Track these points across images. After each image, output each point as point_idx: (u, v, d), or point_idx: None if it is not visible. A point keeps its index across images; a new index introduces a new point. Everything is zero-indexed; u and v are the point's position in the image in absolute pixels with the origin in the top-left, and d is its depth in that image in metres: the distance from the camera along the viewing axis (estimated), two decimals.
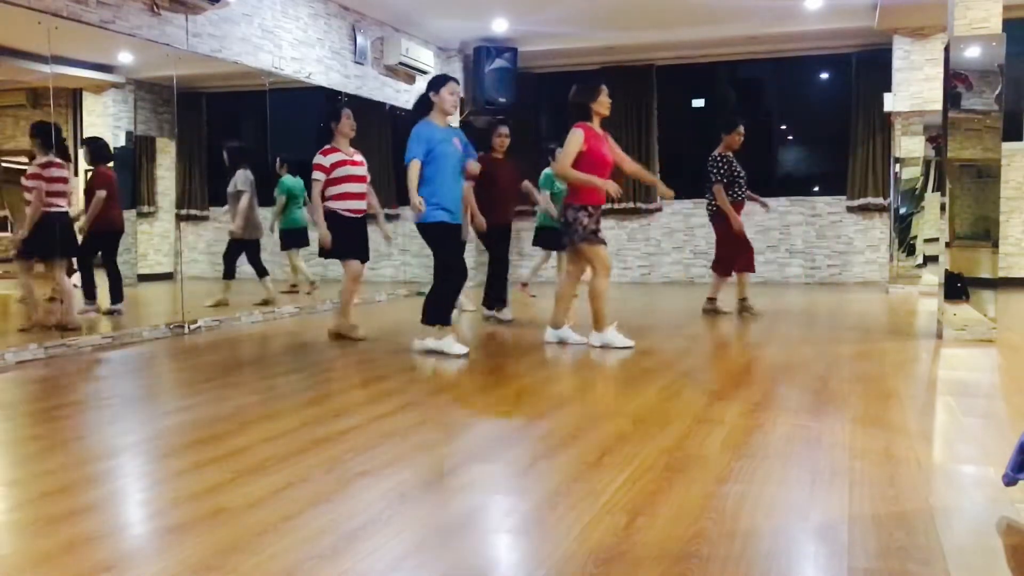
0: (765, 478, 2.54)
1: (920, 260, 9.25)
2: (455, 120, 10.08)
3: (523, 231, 9.68)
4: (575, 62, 10.58)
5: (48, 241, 5.64)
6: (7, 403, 3.92)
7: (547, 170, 7.68)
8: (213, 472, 2.67)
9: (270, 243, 7.76)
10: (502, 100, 9.95)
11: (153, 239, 7.07)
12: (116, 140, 6.60)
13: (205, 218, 7.70)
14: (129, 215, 6.71)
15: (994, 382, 4.19)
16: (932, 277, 8.13)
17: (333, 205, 5.47)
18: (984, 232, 5.50)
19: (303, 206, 8.01)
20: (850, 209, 10.07)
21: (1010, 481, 2.25)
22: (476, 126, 9.70)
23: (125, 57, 6.39)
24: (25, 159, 6.40)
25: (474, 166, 5.20)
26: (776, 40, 9.75)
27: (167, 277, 6.88)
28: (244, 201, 7.21)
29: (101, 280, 6.39)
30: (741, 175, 6.79)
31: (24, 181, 5.71)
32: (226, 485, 2.53)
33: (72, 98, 6.25)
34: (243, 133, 8.29)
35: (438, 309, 5.06)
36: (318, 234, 5.45)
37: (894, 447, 2.87)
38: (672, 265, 10.66)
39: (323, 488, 2.49)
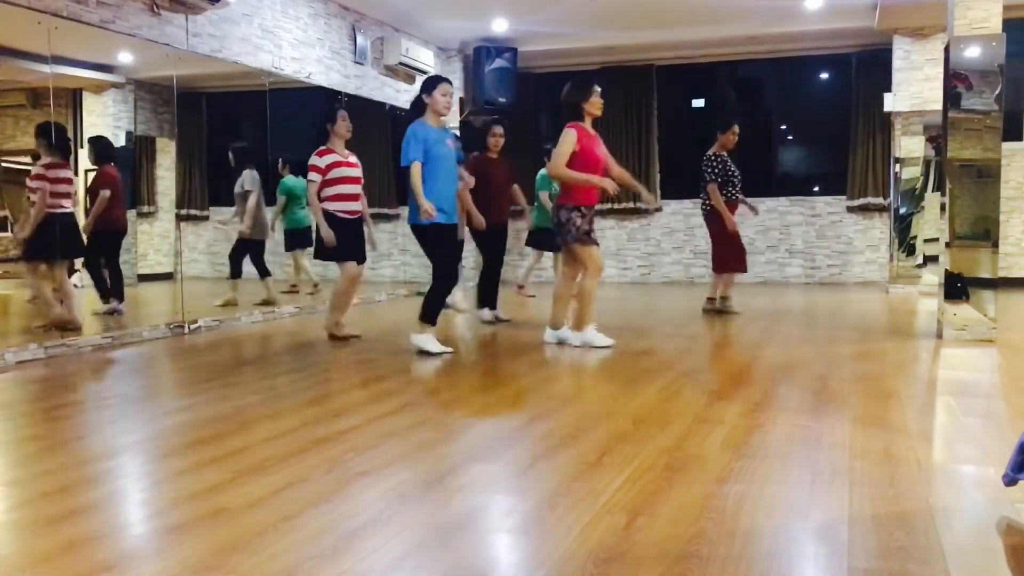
0: (765, 478, 2.54)
1: (920, 260, 9.26)
2: (454, 120, 10.09)
3: (522, 231, 9.67)
4: (575, 62, 10.58)
5: (52, 242, 5.64)
6: (7, 403, 3.92)
7: (543, 171, 7.68)
8: (213, 472, 2.67)
9: (270, 243, 7.76)
10: (502, 100, 9.94)
11: (153, 239, 7.07)
12: (116, 140, 6.60)
13: (205, 218, 7.70)
14: (129, 215, 6.71)
15: (994, 382, 4.19)
16: (932, 277, 8.13)
17: (328, 206, 5.47)
18: (984, 232, 5.50)
19: (306, 206, 8.02)
20: (850, 209, 10.07)
21: (1010, 481, 2.25)
22: (476, 126, 9.70)
23: (125, 57, 6.40)
24: (24, 159, 6.40)
25: (468, 180, 5.21)
26: (776, 40, 9.75)
27: (167, 277, 6.88)
28: (252, 201, 7.22)
29: (105, 279, 6.40)
30: (736, 175, 6.80)
31: (29, 182, 5.71)
32: (226, 485, 2.53)
33: (72, 98, 6.25)
34: (243, 133, 8.29)
35: (431, 309, 5.08)
36: (322, 234, 5.45)
37: (894, 447, 2.87)
38: (672, 265, 10.66)
39: (323, 488, 2.49)
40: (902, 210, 9.29)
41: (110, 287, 6.38)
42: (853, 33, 9.35)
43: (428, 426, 3.28)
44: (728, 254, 6.88)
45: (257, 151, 7.64)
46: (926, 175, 9.23)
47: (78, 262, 6.31)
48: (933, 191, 8.99)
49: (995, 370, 4.49)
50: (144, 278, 7.01)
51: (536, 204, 8.28)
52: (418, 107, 5.06)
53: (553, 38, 9.74)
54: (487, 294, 6.67)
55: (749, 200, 7.15)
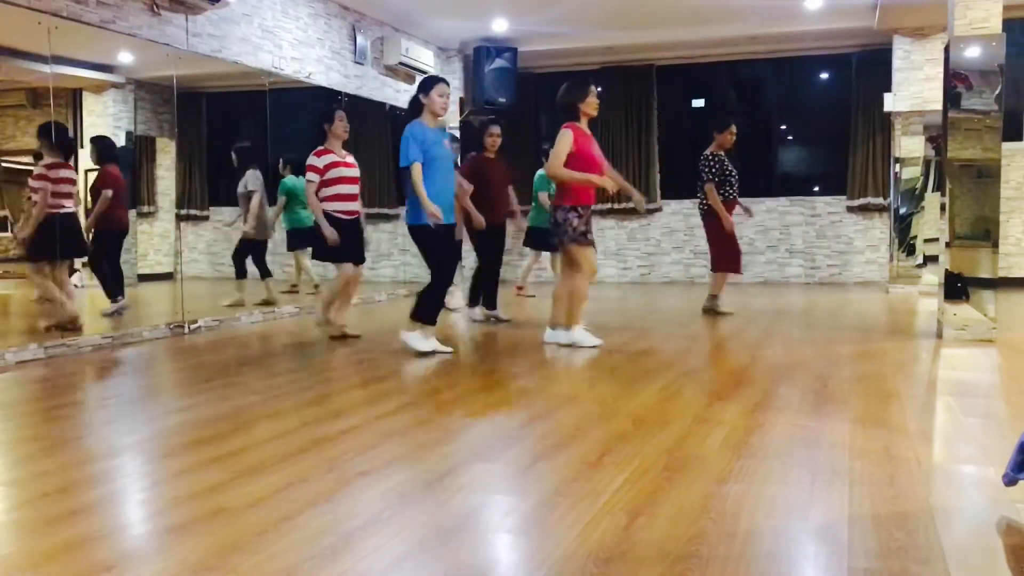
0: (765, 478, 2.54)
1: (920, 260, 9.26)
2: (454, 120, 10.10)
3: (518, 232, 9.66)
4: (575, 62, 10.59)
5: (55, 241, 5.63)
6: (7, 403, 3.92)
7: (541, 171, 7.68)
8: (213, 472, 2.67)
9: (271, 243, 7.76)
10: (502, 100, 9.94)
11: (153, 239, 7.07)
12: (116, 140, 6.60)
13: (205, 218, 7.71)
14: (129, 215, 6.71)
15: (994, 382, 4.19)
16: (932, 277, 8.13)
17: (326, 207, 5.48)
18: (984, 232, 5.50)
19: (307, 207, 8.03)
20: (850, 209, 10.07)
21: (1010, 481, 2.25)
22: (475, 126, 9.71)
23: (125, 57, 6.40)
24: (25, 159, 6.40)
25: (467, 187, 5.21)
26: (776, 40, 9.75)
27: (167, 277, 6.88)
28: (255, 201, 7.23)
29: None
30: (733, 174, 6.82)
31: (30, 182, 5.71)
32: (226, 485, 2.53)
33: (72, 98, 6.25)
34: (243, 133, 8.29)
35: (429, 309, 5.08)
36: (325, 233, 5.46)
37: (894, 447, 2.87)
38: (672, 265, 10.66)
39: (323, 488, 2.49)
40: (902, 210, 9.29)
41: (112, 286, 6.37)
42: (853, 33, 9.35)
43: (428, 426, 3.28)
44: (724, 254, 6.89)
45: (257, 151, 7.65)
46: (926, 175, 9.23)
47: (78, 262, 6.31)
48: (933, 191, 8.99)
49: (995, 370, 4.49)
50: (144, 278, 7.01)
51: (534, 204, 8.28)
52: (415, 107, 5.06)
53: (553, 38, 9.74)
54: (486, 293, 6.67)
55: (744, 201, 7.15)
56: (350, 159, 5.65)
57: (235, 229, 7.48)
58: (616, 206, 10.53)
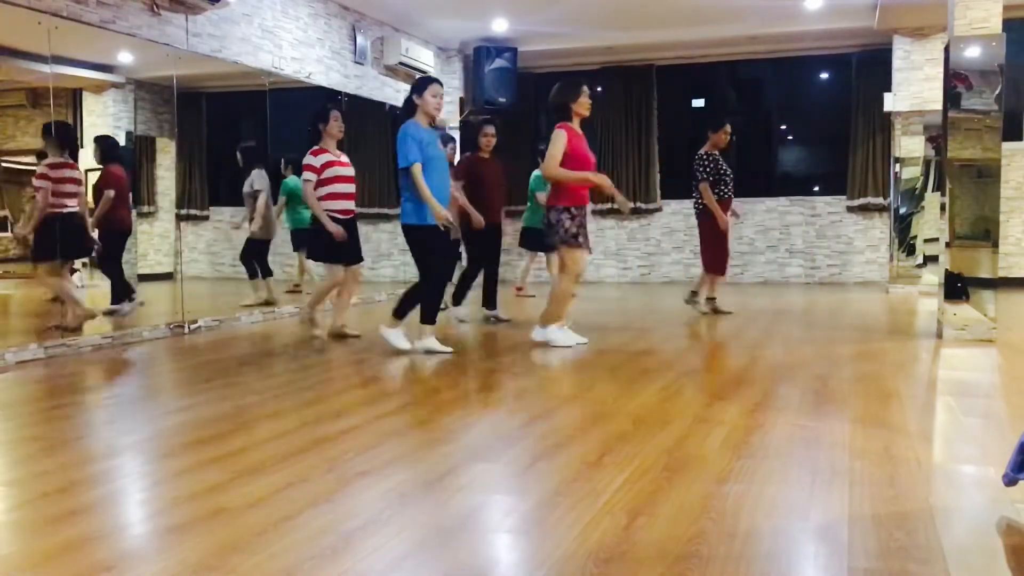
0: (765, 478, 2.54)
1: (920, 260, 9.26)
2: (454, 120, 10.09)
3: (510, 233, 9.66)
4: (575, 62, 10.59)
5: (60, 241, 5.62)
6: (7, 403, 3.92)
7: (537, 171, 7.68)
8: (213, 472, 2.67)
9: (272, 243, 7.76)
10: (502, 100, 9.94)
11: (153, 239, 7.07)
12: (117, 140, 6.59)
13: (205, 218, 7.70)
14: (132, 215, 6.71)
15: (994, 382, 4.19)
16: (932, 277, 8.13)
17: (323, 206, 5.49)
18: (984, 232, 5.50)
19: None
20: (850, 209, 10.07)
21: (1010, 481, 2.25)
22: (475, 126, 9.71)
23: (125, 57, 6.39)
24: (25, 159, 6.40)
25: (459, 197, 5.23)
26: (776, 40, 9.75)
27: (167, 277, 6.88)
28: (261, 200, 7.24)
29: (103, 279, 6.40)
30: (728, 173, 6.83)
31: (33, 181, 5.71)
32: (226, 485, 2.53)
33: (72, 98, 6.25)
34: (243, 133, 8.29)
35: (428, 309, 5.09)
36: (330, 230, 5.47)
37: (894, 447, 2.87)
38: (672, 265, 10.67)
39: (323, 488, 2.49)
40: (902, 210, 9.29)
41: (112, 288, 6.37)
42: (853, 33, 9.35)
43: (428, 426, 3.28)
44: (714, 255, 6.92)
45: (259, 151, 7.65)
46: (926, 175, 9.23)
47: (78, 262, 6.30)
48: (933, 191, 8.99)
49: (995, 370, 4.49)
50: (144, 278, 7.00)
51: (530, 204, 8.28)
52: (409, 108, 5.06)
53: (553, 38, 9.74)
54: (485, 293, 6.68)
55: (743, 201, 7.18)
56: (345, 158, 5.67)
57: (241, 230, 7.48)
58: (614, 206, 10.52)
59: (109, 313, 6.31)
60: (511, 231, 9.00)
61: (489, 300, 6.71)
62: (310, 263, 8.12)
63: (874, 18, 8.53)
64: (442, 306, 7.17)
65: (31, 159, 6.14)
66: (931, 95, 8.62)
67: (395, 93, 9.33)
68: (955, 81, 5.40)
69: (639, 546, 2.02)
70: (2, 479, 2.67)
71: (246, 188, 7.37)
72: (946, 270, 5.50)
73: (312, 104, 8.14)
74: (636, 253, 10.78)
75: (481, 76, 9.89)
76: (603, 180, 5.21)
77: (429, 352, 5.03)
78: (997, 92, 5.32)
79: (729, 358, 4.88)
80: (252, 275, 7.35)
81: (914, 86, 8.93)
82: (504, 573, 1.93)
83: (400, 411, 3.54)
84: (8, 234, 6.57)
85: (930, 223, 8.86)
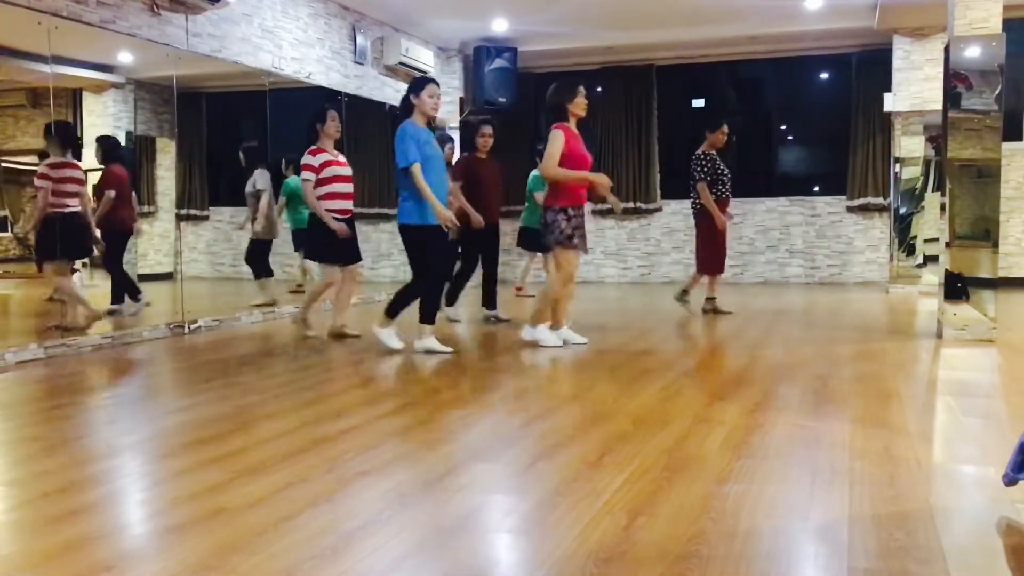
0: (765, 478, 2.54)
1: (920, 260, 9.26)
2: (455, 120, 10.09)
3: (507, 233, 9.66)
4: (575, 62, 10.58)
5: (61, 241, 5.62)
6: (7, 403, 3.92)
7: (535, 172, 7.69)
8: (213, 472, 2.67)
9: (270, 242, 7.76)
10: (502, 100, 9.94)
11: (153, 239, 7.07)
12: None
13: (205, 218, 7.70)
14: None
15: (994, 382, 4.19)
16: (932, 277, 8.13)
17: (322, 205, 5.49)
18: (984, 232, 5.50)
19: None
20: (850, 209, 10.07)
21: (1010, 481, 2.25)
22: (472, 126, 9.72)
23: (125, 57, 6.39)
24: (24, 159, 6.40)
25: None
26: (776, 40, 9.75)
27: (167, 277, 6.88)
28: (264, 200, 7.24)
29: (103, 279, 6.40)
30: (725, 173, 6.85)
31: (35, 181, 5.71)
32: (226, 485, 2.53)
33: (72, 98, 6.25)
34: (243, 133, 8.29)
35: (429, 309, 5.09)
36: (333, 228, 5.49)
37: (894, 447, 2.87)
38: (672, 265, 10.66)
39: (323, 488, 2.49)
40: (902, 210, 9.29)
41: (112, 287, 6.37)
42: (853, 33, 9.35)
43: (428, 426, 3.28)
44: (709, 256, 6.93)
45: (260, 151, 7.66)
46: (926, 175, 9.23)
47: (78, 263, 6.30)
48: (933, 191, 8.99)
49: (995, 370, 4.49)
50: (144, 278, 7.00)
51: (528, 204, 8.28)
52: (406, 107, 5.07)
53: (553, 38, 9.74)
54: (485, 293, 6.69)
55: (743, 201, 7.21)
56: (342, 158, 5.68)
57: (244, 231, 7.48)
58: (607, 207, 10.52)
59: (110, 313, 6.32)
60: (510, 231, 9.00)
61: (489, 300, 6.71)
62: (310, 263, 8.12)
63: (874, 18, 8.53)
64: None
65: (31, 159, 6.14)
66: (931, 95, 8.62)
67: (395, 93, 9.32)
68: (955, 81, 5.40)
69: (639, 546, 2.02)
70: (2, 479, 2.67)
71: (248, 188, 7.37)
72: (946, 270, 5.50)
73: (312, 104, 8.14)
74: (636, 253, 10.78)
75: (481, 76, 9.89)
76: (601, 179, 5.22)
77: (429, 352, 5.03)
78: (997, 92, 5.32)
79: (729, 358, 4.88)
80: (258, 275, 7.37)
81: (914, 86, 8.93)
82: (504, 573, 1.93)
83: (400, 411, 3.55)
84: (8, 234, 6.57)
85: (930, 223, 8.86)
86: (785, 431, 3.10)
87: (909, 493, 2.40)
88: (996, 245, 5.48)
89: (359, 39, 8.53)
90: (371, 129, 9.04)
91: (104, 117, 6.49)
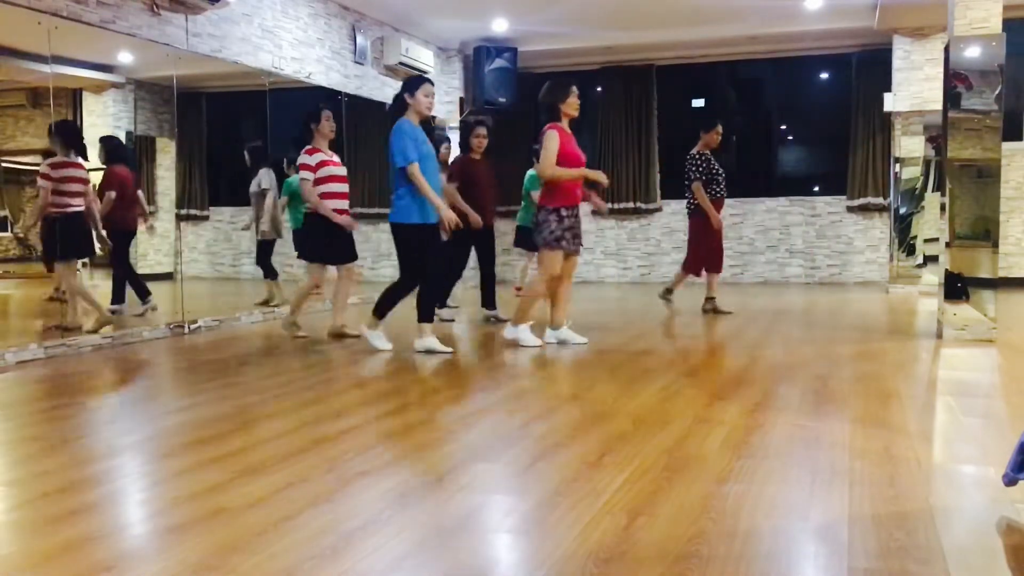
0: (765, 478, 2.54)
1: (920, 260, 9.26)
2: (455, 120, 10.09)
3: (507, 233, 9.66)
4: (575, 62, 10.58)
5: (60, 240, 5.62)
6: (7, 403, 3.92)
7: (531, 171, 7.69)
8: (213, 472, 2.67)
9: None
10: (502, 100, 9.94)
11: (153, 239, 7.07)
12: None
13: (205, 218, 7.70)
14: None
15: (994, 382, 4.19)
16: (932, 277, 8.13)
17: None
18: (984, 232, 5.50)
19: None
20: (850, 209, 10.07)
21: (1010, 481, 2.25)
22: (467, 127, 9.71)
23: (125, 57, 6.39)
24: (24, 159, 6.40)
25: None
26: (776, 40, 9.75)
27: (167, 277, 6.88)
28: (270, 200, 7.25)
29: (103, 280, 6.40)
30: (720, 173, 6.88)
31: (37, 180, 5.71)
32: (226, 485, 2.53)
33: (72, 98, 6.25)
34: (243, 133, 8.29)
35: (426, 308, 5.09)
36: (340, 221, 5.49)
37: (894, 447, 2.87)
38: (672, 265, 10.64)
39: (323, 488, 2.49)
40: (902, 210, 9.29)
41: (113, 287, 6.37)
42: (853, 33, 9.35)
43: (428, 426, 3.28)
44: (704, 255, 6.95)
45: (267, 151, 7.66)
46: (926, 175, 9.23)
47: (79, 263, 6.30)
48: (933, 191, 8.99)
49: (995, 370, 4.49)
50: (144, 278, 7.00)
51: (524, 204, 8.28)
52: (400, 106, 5.07)
53: (553, 38, 9.74)
54: (484, 293, 6.69)
55: (742, 201, 7.23)
56: (336, 158, 5.70)
57: (249, 232, 7.48)
58: (616, 206, 10.54)
59: (111, 312, 6.32)
60: (509, 231, 8.99)
61: (488, 300, 6.72)
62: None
63: (874, 18, 8.52)
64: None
65: (31, 159, 6.14)
66: (931, 95, 8.62)
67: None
68: (955, 81, 5.40)
69: (639, 546, 2.02)
70: (2, 479, 2.67)
71: (253, 188, 7.37)
72: (946, 270, 5.50)
73: (312, 104, 8.14)
74: (636, 253, 10.78)
75: (481, 76, 9.89)
76: (598, 175, 5.26)
77: (429, 352, 5.03)
78: (997, 92, 5.32)
79: (729, 358, 4.88)
80: (270, 276, 7.38)
81: (914, 86, 8.93)
82: (504, 573, 1.93)
83: (400, 411, 3.54)
84: (8, 234, 6.57)
85: (930, 223, 8.86)
86: (785, 431, 3.10)
87: (909, 493, 2.39)
88: (996, 245, 5.48)
89: (359, 39, 8.53)
90: (371, 129, 9.03)
91: (104, 117, 6.50)
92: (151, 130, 6.81)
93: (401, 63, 9.05)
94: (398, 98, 5.08)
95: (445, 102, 10.16)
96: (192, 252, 7.30)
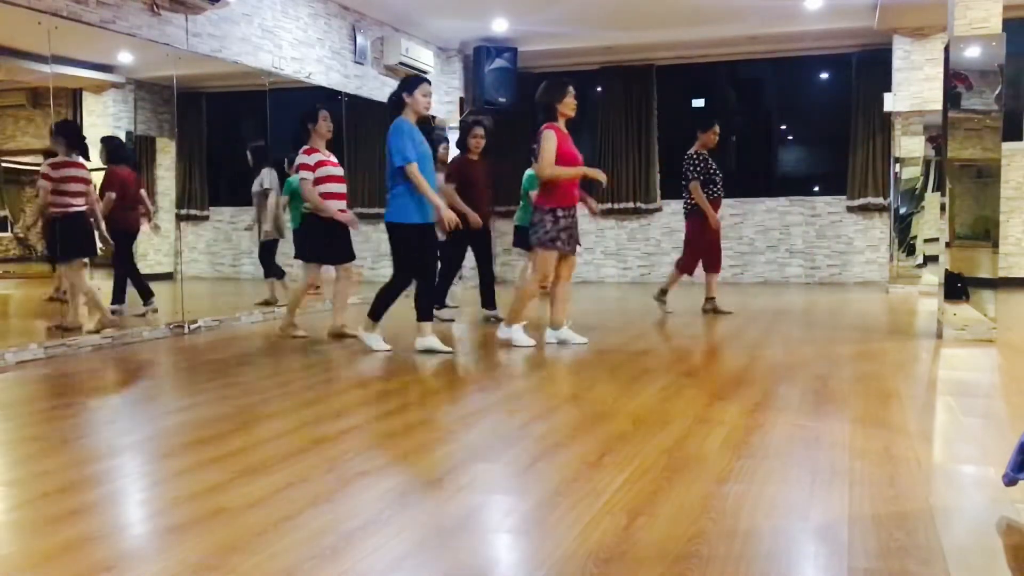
0: (765, 478, 2.54)
1: (920, 260, 9.26)
2: (454, 120, 10.09)
3: (507, 233, 9.66)
4: (575, 62, 10.58)
5: (61, 240, 5.62)
6: (7, 403, 3.92)
7: (530, 171, 7.69)
8: (213, 472, 2.66)
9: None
10: (502, 100, 9.95)
11: (153, 239, 7.07)
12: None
13: (205, 218, 7.70)
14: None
15: (994, 382, 4.19)
16: (932, 277, 8.13)
17: None
18: (984, 232, 5.50)
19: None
20: (850, 209, 10.07)
21: (1010, 481, 2.25)
22: (465, 127, 9.71)
23: (125, 57, 6.39)
24: (24, 159, 6.40)
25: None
26: (776, 40, 9.75)
27: (167, 277, 6.89)
28: (272, 200, 7.26)
29: (104, 280, 6.39)
30: (717, 173, 6.88)
31: (38, 180, 5.71)
32: (226, 485, 2.53)
33: (72, 98, 6.25)
34: (243, 133, 8.29)
35: (425, 308, 5.10)
36: (342, 219, 5.50)
37: (894, 447, 2.87)
38: (672, 265, 10.64)
39: (323, 488, 2.49)
40: (902, 210, 9.29)
41: (114, 287, 6.37)
42: (853, 33, 9.35)
43: (428, 426, 3.28)
44: (700, 255, 6.96)
45: (268, 151, 7.67)
46: (926, 175, 9.23)
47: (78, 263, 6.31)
48: (933, 191, 8.99)
49: (995, 370, 4.49)
50: (144, 278, 7.01)
51: (522, 203, 8.29)
52: (398, 105, 5.07)
53: (553, 38, 9.74)
54: (483, 293, 6.69)
55: (741, 201, 7.23)
56: (334, 158, 5.70)
57: (252, 233, 7.48)
58: (616, 206, 10.54)
59: (111, 313, 6.32)
60: (508, 231, 8.99)
61: (488, 301, 6.72)
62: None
63: (874, 18, 8.53)
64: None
65: (31, 159, 6.14)
66: (931, 95, 8.62)
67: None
68: (955, 81, 5.40)
69: (639, 546, 2.02)
70: (2, 479, 2.67)
71: (256, 187, 7.38)
72: (946, 270, 5.50)
73: (312, 104, 8.15)
74: (636, 253, 10.78)
75: (481, 76, 9.89)
76: (597, 173, 5.26)
77: (429, 352, 5.03)
78: (997, 92, 5.32)
79: (729, 358, 4.88)
80: (277, 275, 7.38)
81: (914, 86, 8.93)
82: (504, 573, 1.93)
83: (400, 411, 3.54)
84: (8, 234, 6.57)
85: (930, 223, 8.86)
86: (785, 431, 3.10)
87: (909, 493, 2.39)
88: (996, 245, 5.48)
89: (359, 39, 8.53)
90: (371, 129, 9.03)
91: (104, 117, 6.50)
92: (151, 130, 6.81)
93: (401, 63, 9.05)
94: (396, 98, 5.08)
95: (445, 102, 10.16)
96: (192, 252, 7.30)
